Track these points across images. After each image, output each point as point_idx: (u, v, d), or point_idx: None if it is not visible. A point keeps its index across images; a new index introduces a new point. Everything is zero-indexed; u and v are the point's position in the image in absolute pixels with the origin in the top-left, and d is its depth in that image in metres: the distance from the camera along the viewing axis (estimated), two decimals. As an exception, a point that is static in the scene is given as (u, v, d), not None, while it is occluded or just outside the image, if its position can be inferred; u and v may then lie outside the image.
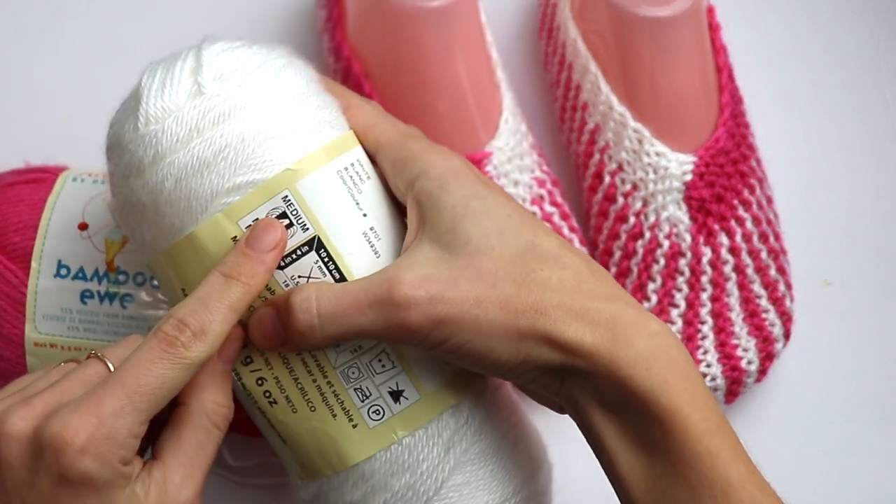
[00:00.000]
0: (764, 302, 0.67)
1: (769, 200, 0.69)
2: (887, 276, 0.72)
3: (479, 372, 0.52)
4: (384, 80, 0.66)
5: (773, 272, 0.67)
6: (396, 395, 0.52)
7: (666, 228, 0.66)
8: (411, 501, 0.52)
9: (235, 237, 0.50)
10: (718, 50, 0.69)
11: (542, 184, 0.67)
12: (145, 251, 0.53)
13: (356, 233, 0.51)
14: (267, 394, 0.52)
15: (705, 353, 0.65)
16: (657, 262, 0.66)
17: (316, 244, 0.51)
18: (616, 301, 0.50)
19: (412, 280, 0.48)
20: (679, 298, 0.66)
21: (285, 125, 0.51)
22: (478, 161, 0.65)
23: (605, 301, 0.49)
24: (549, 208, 0.67)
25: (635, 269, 0.66)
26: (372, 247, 0.52)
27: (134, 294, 0.59)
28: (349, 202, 0.52)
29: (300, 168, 0.50)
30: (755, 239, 0.67)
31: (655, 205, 0.66)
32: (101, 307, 0.59)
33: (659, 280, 0.66)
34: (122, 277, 0.59)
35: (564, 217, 0.67)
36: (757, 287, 0.67)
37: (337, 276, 0.51)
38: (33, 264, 0.60)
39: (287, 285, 0.51)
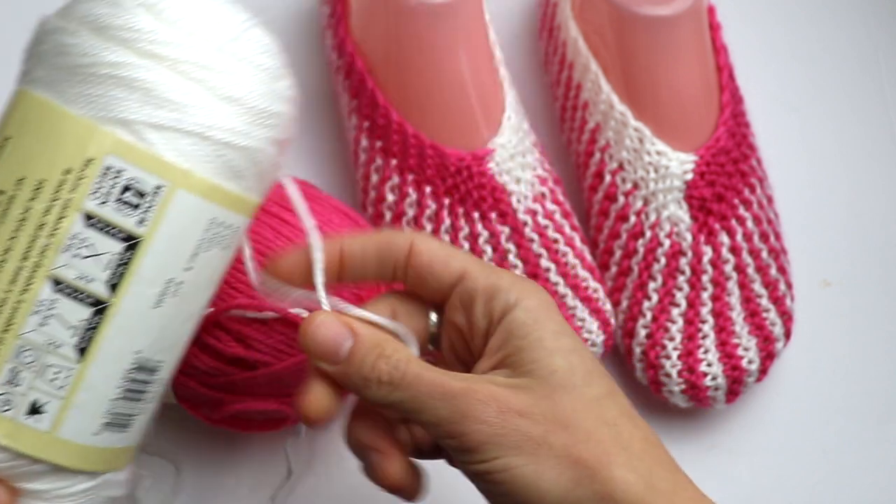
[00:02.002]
0: (764, 301, 0.67)
1: (769, 200, 0.69)
2: (887, 276, 0.72)
3: None
4: (387, 76, 0.66)
5: (773, 271, 0.67)
6: (35, 410, 0.48)
7: (667, 227, 0.66)
8: None
9: (91, 160, 0.47)
10: (719, 49, 0.69)
11: (543, 182, 0.67)
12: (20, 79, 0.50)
13: (164, 274, 0.49)
14: None
15: (706, 352, 0.65)
16: (658, 261, 0.66)
17: (131, 245, 0.48)
18: (676, 472, 0.49)
19: (486, 396, 0.48)
20: (680, 297, 0.66)
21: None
22: (480, 158, 0.65)
23: (669, 471, 0.49)
24: (550, 206, 0.67)
25: (636, 268, 0.66)
26: (160, 297, 0.49)
27: None
28: (189, 248, 0.49)
29: (194, 182, 0.48)
30: (756, 238, 0.67)
31: (656, 204, 0.66)
32: None
33: (660, 279, 0.66)
34: None
35: (566, 215, 0.67)
36: (757, 286, 0.67)
37: (100, 289, 0.48)
38: None
39: (68, 247, 0.47)
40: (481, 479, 0.48)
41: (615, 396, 0.49)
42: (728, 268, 0.66)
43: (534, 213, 0.66)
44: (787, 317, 0.67)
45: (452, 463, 0.52)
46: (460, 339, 0.52)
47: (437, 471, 0.53)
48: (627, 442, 0.48)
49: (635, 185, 0.66)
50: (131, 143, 0.48)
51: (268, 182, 0.52)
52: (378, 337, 0.50)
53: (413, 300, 0.53)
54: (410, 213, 0.66)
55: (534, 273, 0.65)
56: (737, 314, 0.66)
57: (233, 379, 0.60)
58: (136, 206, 0.48)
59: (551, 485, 0.47)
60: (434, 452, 0.54)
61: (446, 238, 0.66)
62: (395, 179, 0.66)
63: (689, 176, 0.66)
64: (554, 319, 0.50)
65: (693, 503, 0.48)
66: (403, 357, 0.49)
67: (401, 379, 0.49)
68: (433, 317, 0.53)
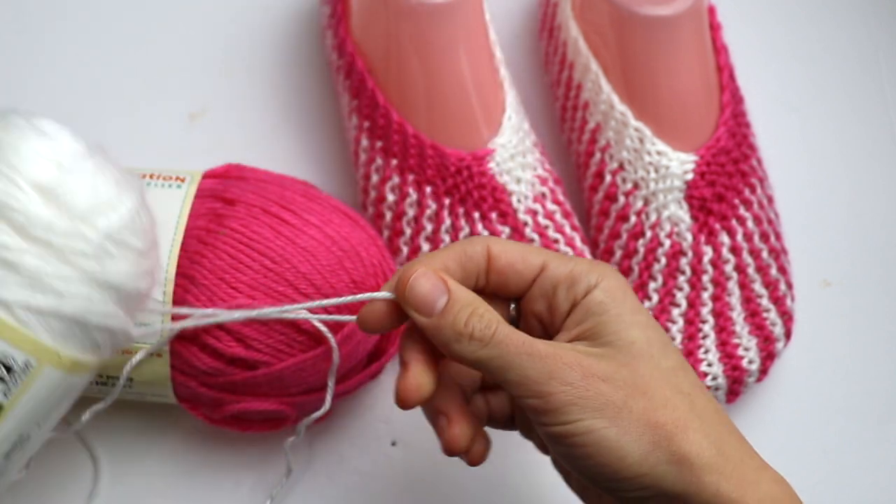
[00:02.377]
0: (765, 301, 0.67)
1: (770, 200, 0.69)
2: (887, 276, 0.72)
3: (593, 482, 0.51)
4: (388, 76, 0.66)
5: (773, 271, 0.67)
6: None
7: (667, 227, 0.66)
8: None
9: None
10: (719, 49, 0.69)
11: (544, 182, 0.67)
12: None
13: (17, 433, 0.53)
14: None
15: (706, 352, 0.65)
16: (658, 261, 0.66)
17: None
18: (744, 442, 0.51)
19: (571, 360, 0.50)
20: (680, 297, 0.66)
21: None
22: (480, 158, 0.65)
23: (738, 440, 0.51)
24: (550, 206, 0.67)
25: (636, 268, 0.66)
26: (9, 451, 0.53)
27: None
28: (45, 411, 0.53)
29: (62, 359, 0.52)
30: (756, 238, 0.67)
31: (656, 204, 0.66)
32: None
33: (660, 279, 0.66)
34: None
35: (566, 215, 0.67)
36: (758, 286, 0.67)
37: None
38: None
39: None
40: (562, 442, 0.50)
41: (687, 370, 0.52)
42: (728, 268, 0.66)
43: (534, 214, 0.66)
44: (787, 317, 0.67)
45: (527, 433, 0.56)
46: (538, 326, 0.54)
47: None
48: (701, 411, 0.51)
49: (636, 185, 0.66)
50: (7, 321, 0.50)
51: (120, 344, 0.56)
52: (471, 296, 0.52)
53: (491, 296, 0.54)
54: (411, 213, 0.66)
55: (534, 273, 0.65)
56: (737, 314, 0.66)
57: (233, 379, 0.60)
58: (2, 380, 0.51)
59: (632, 446, 0.49)
60: (508, 423, 0.57)
61: (447, 238, 0.66)
62: (396, 179, 0.66)
63: (690, 176, 0.66)
64: (630, 297, 0.53)
65: (759, 471, 0.50)
66: (494, 317, 0.51)
67: (491, 336, 0.51)
68: (512, 308, 0.55)
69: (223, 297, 0.59)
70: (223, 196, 0.62)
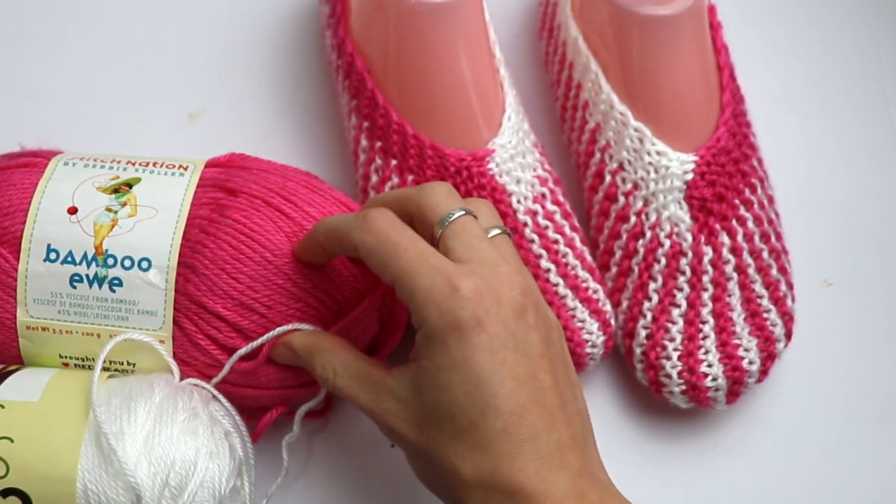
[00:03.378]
0: (765, 302, 0.66)
1: (770, 200, 0.69)
2: (887, 276, 0.72)
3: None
4: (387, 76, 0.66)
5: (774, 272, 0.67)
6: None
7: (667, 228, 0.66)
8: None
9: None
10: (719, 49, 0.69)
11: (544, 182, 0.67)
12: None
13: None
14: None
15: (706, 353, 0.65)
16: (658, 261, 0.66)
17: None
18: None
19: (394, 423, 0.55)
20: (680, 298, 0.66)
21: None
22: (480, 158, 0.65)
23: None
24: (550, 207, 0.67)
25: (636, 269, 0.66)
26: None
27: (123, 277, 0.60)
28: None
29: None
30: (756, 239, 0.67)
31: (656, 204, 0.66)
32: (91, 291, 0.60)
33: (660, 280, 0.66)
34: (110, 261, 0.60)
35: (566, 216, 0.67)
36: (758, 287, 0.67)
37: None
38: (23, 248, 0.60)
39: None
40: None
41: (482, 426, 0.53)
42: (729, 268, 0.66)
43: (534, 214, 0.66)
44: (788, 317, 0.67)
45: None
46: None
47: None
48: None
49: (635, 186, 0.66)
50: None
51: None
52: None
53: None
54: (410, 213, 0.66)
55: (534, 274, 0.65)
56: (737, 315, 0.66)
57: (232, 370, 0.60)
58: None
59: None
60: None
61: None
62: (395, 180, 0.66)
63: (690, 176, 0.66)
64: (445, 347, 0.54)
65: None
66: (331, 368, 0.58)
67: (334, 376, 0.58)
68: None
69: (224, 287, 0.59)
70: (225, 186, 0.62)
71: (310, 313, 0.61)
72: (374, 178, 0.67)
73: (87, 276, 0.60)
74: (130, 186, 0.62)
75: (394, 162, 0.66)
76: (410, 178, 0.66)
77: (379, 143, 0.67)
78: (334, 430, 0.67)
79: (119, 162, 0.63)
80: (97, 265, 0.60)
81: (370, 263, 0.56)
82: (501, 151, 0.66)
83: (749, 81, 0.71)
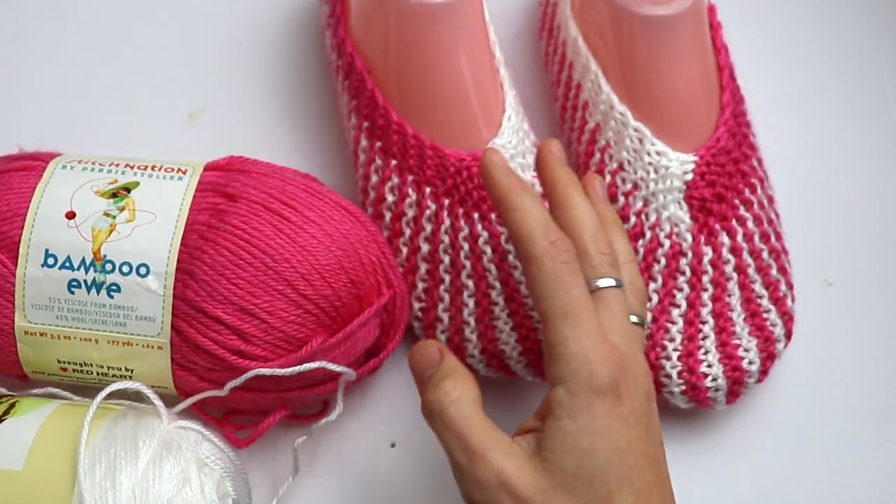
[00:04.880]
0: (765, 302, 0.66)
1: (770, 200, 0.69)
2: (887, 276, 0.72)
3: None
4: (387, 76, 0.66)
5: (774, 272, 0.67)
6: None
7: (667, 228, 0.66)
8: None
9: None
10: (719, 49, 0.69)
11: (544, 182, 0.67)
12: None
13: None
14: None
15: (706, 353, 0.65)
16: (658, 261, 0.66)
17: None
18: None
19: (494, 467, 0.53)
20: (680, 298, 0.66)
21: None
22: (480, 158, 0.65)
23: None
24: (550, 207, 0.67)
25: (636, 269, 0.66)
26: None
27: (121, 283, 0.60)
28: None
29: None
30: (756, 239, 0.67)
31: (656, 204, 0.66)
32: (89, 296, 0.60)
33: (660, 280, 0.66)
34: (108, 267, 0.60)
35: (566, 216, 0.67)
36: (758, 287, 0.67)
37: None
38: (21, 253, 0.60)
39: None
40: None
41: (615, 497, 0.52)
42: (729, 268, 0.66)
43: (534, 214, 0.66)
44: (787, 317, 0.67)
45: None
46: None
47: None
48: None
49: (635, 186, 0.66)
50: None
51: None
52: (450, 369, 0.56)
53: None
54: (410, 213, 0.66)
55: (534, 274, 0.65)
56: (737, 315, 0.66)
57: (231, 374, 0.60)
58: None
59: None
60: None
61: (446, 239, 0.66)
62: (395, 180, 0.66)
63: (690, 176, 0.66)
64: (589, 411, 0.53)
65: None
66: (456, 394, 0.55)
67: (440, 412, 0.54)
68: None
69: (223, 292, 0.59)
70: (224, 191, 0.62)
71: (310, 319, 0.60)
72: (374, 178, 0.67)
73: (85, 281, 0.60)
74: (129, 191, 0.62)
75: (394, 162, 0.66)
76: (410, 177, 0.66)
77: (379, 143, 0.67)
78: (336, 432, 0.67)
79: (118, 165, 0.63)
80: (95, 271, 0.60)
81: (532, 284, 0.56)
82: (501, 151, 0.66)
83: (749, 81, 0.71)
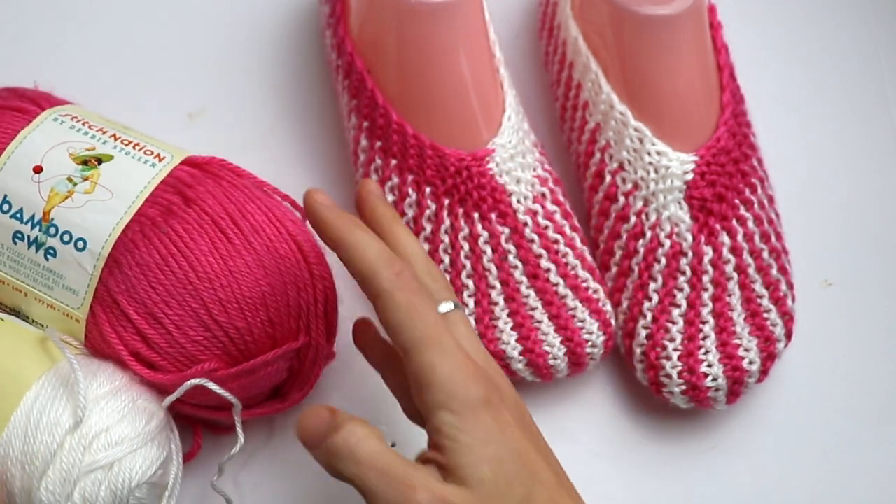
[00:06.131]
0: (765, 302, 0.66)
1: (770, 200, 0.69)
2: (887, 276, 0.72)
3: None
4: (387, 76, 0.66)
5: (774, 272, 0.67)
6: None
7: (667, 228, 0.66)
8: None
9: None
10: (719, 49, 0.69)
11: (544, 182, 0.67)
12: None
13: None
14: None
15: (707, 353, 0.65)
16: (658, 261, 0.66)
17: None
18: None
19: (426, 497, 0.51)
20: (680, 298, 0.66)
21: None
22: (480, 158, 0.65)
23: None
24: (550, 206, 0.67)
25: (636, 269, 0.66)
26: None
27: (58, 249, 0.60)
28: None
29: None
30: (757, 238, 0.67)
31: (656, 204, 0.66)
32: (28, 252, 0.61)
33: (660, 280, 0.66)
34: (52, 230, 0.61)
35: (566, 216, 0.67)
36: (758, 287, 0.67)
37: None
38: None
39: None
40: None
41: (533, 495, 0.53)
42: (729, 268, 0.66)
43: (534, 214, 0.66)
44: (788, 317, 0.67)
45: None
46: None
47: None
48: None
49: (636, 186, 0.66)
50: None
51: None
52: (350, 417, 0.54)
53: None
54: (410, 213, 0.66)
55: (534, 273, 0.65)
56: (738, 315, 0.66)
57: (134, 375, 0.61)
58: None
59: None
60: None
61: (446, 239, 0.66)
62: (395, 180, 0.66)
63: (690, 176, 0.66)
64: (482, 422, 0.53)
65: None
66: (363, 435, 0.53)
67: (350, 452, 0.52)
68: None
69: (140, 292, 0.59)
70: (184, 192, 0.61)
71: (216, 344, 0.60)
72: (374, 178, 0.67)
73: (28, 236, 0.61)
74: (100, 162, 0.62)
75: (394, 162, 0.66)
76: (410, 177, 0.66)
77: (379, 143, 0.67)
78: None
79: (105, 132, 0.64)
80: (39, 230, 0.61)
81: (386, 318, 0.55)
82: (501, 151, 0.66)
83: (749, 81, 0.71)
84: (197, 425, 0.64)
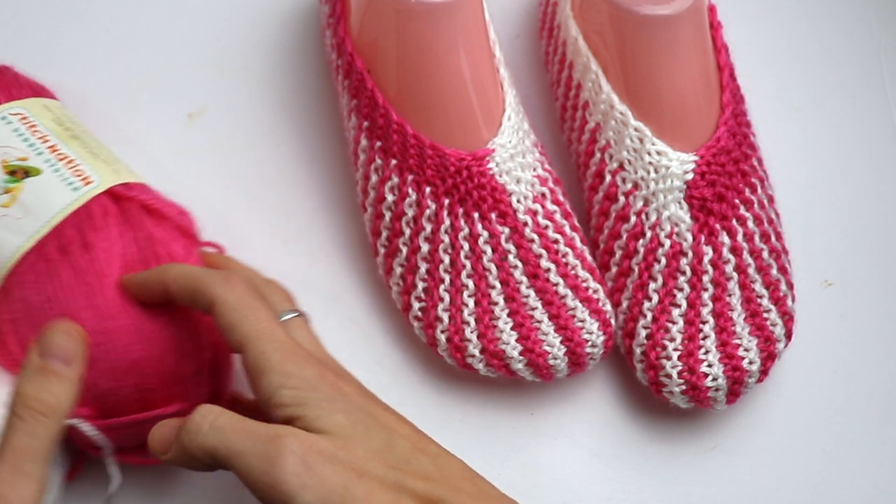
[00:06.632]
0: (765, 302, 0.66)
1: (770, 200, 0.69)
2: (887, 276, 0.72)
3: None
4: (387, 76, 0.66)
5: (774, 272, 0.67)
6: None
7: (667, 228, 0.66)
8: None
9: None
10: (719, 49, 0.69)
11: (544, 182, 0.67)
12: None
13: None
14: None
15: (706, 353, 0.65)
16: (658, 261, 0.66)
17: None
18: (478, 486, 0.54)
19: (297, 442, 0.52)
20: (680, 298, 0.66)
21: None
22: (480, 158, 0.65)
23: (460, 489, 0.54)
24: (550, 206, 0.67)
25: (636, 269, 0.66)
26: None
27: None
28: None
29: None
30: (757, 238, 0.67)
31: (657, 204, 0.66)
32: None
33: (660, 279, 0.66)
34: None
35: (566, 216, 0.67)
36: (758, 287, 0.67)
37: None
38: None
39: None
40: None
41: (394, 445, 0.54)
42: (729, 268, 0.66)
43: (534, 214, 0.66)
44: (788, 317, 0.67)
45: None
46: None
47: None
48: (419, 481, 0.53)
49: (636, 186, 0.66)
50: None
51: None
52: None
53: None
54: (410, 213, 0.66)
55: (534, 273, 0.65)
56: (738, 315, 0.66)
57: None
58: None
59: None
60: None
61: (446, 239, 0.66)
62: (395, 180, 0.66)
63: (690, 176, 0.66)
64: (321, 387, 0.54)
65: None
66: (211, 410, 0.53)
67: (209, 425, 0.53)
68: None
69: (23, 328, 0.58)
70: (85, 235, 0.59)
71: (87, 396, 0.57)
72: (374, 178, 0.67)
73: None
74: (27, 175, 0.60)
75: (394, 162, 0.66)
76: (410, 177, 0.66)
77: (379, 143, 0.67)
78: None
79: (46, 141, 0.61)
80: None
81: (221, 321, 0.55)
82: (501, 151, 0.66)
83: (749, 81, 0.71)
84: (81, 454, 0.62)
